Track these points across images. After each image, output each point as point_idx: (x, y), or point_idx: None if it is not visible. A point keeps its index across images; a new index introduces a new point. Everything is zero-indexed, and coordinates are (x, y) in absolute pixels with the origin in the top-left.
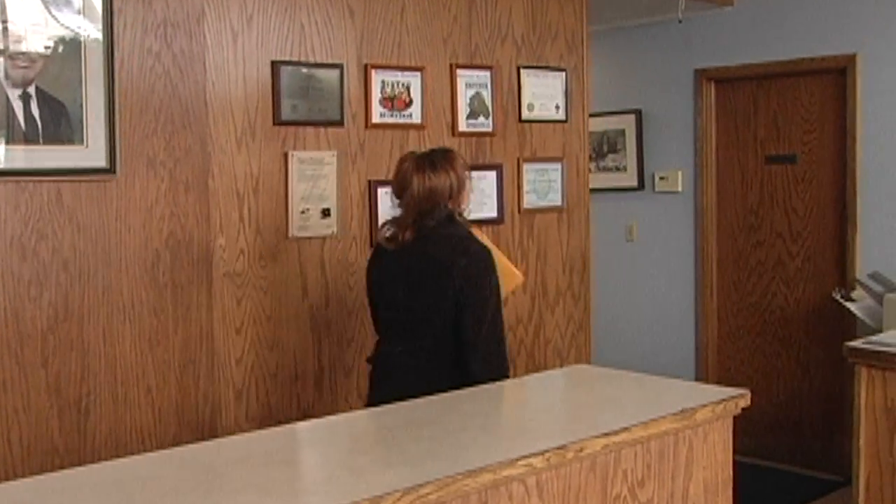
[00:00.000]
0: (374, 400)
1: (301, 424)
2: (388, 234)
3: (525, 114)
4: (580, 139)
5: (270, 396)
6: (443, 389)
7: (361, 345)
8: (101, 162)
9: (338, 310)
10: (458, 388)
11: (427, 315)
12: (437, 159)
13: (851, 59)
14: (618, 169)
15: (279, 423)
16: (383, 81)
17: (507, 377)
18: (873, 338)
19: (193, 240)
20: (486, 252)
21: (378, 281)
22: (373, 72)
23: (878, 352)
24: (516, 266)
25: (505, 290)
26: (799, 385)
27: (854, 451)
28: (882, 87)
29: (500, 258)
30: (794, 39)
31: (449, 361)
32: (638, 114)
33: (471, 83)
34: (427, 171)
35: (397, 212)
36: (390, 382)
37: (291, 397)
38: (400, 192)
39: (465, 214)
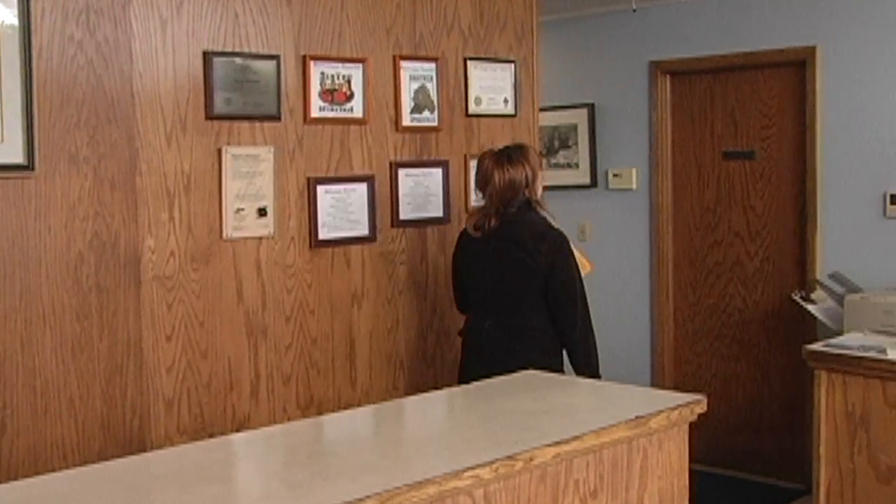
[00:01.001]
0: (465, 371)
1: (236, 436)
2: (475, 223)
3: (472, 108)
4: (530, 134)
5: (203, 407)
6: (533, 362)
7: (300, 351)
8: (19, 158)
9: (275, 314)
10: (550, 363)
11: (515, 293)
12: (513, 154)
13: (811, 52)
14: (569, 166)
15: (212, 435)
16: (323, 73)
17: (596, 358)
18: (833, 340)
19: (120, 241)
20: (562, 235)
21: (466, 263)
22: (311, 63)
23: (838, 355)
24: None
25: None
26: (758, 390)
27: (814, 457)
28: (843, 81)
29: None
30: (753, 31)
31: (541, 337)
32: (590, 108)
33: (415, 76)
34: (505, 165)
35: (481, 203)
36: (482, 355)
37: (226, 407)
38: (483, 185)
39: (541, 204)
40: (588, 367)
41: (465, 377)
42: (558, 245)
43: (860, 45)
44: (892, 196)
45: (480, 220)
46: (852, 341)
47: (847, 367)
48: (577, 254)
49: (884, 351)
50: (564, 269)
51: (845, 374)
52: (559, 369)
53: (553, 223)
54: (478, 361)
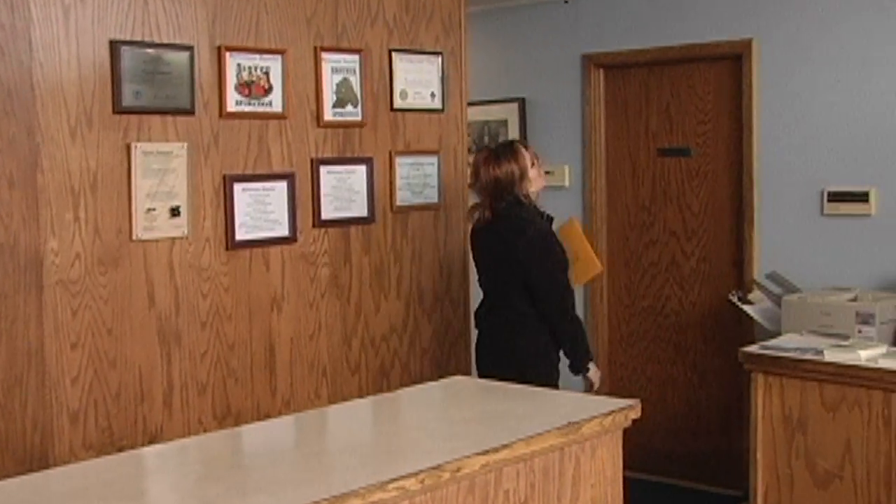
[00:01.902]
0: (476, 353)
1: (147, 450)
2: (472, 216)
3: (398, 102)
4: (458, 130)
5: (112, 420)
6: (520, 347)
7: (216, 358)
8: None
9: (190, 320)
10: (537, 346)
11: (500, 282)
12: (502, 152)
13: (747, 45)
14: None
15: (122, 449)
16: (239, 65)
17: (584, 343)
18: (770, 342)
19: (19, 243)
20: (543, 234)
21: (473, 251)
22: (227, 54)
23: (775, 357)
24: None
25: (584, 277)
26: (695, 394)
27: (751, 463)
28: (780, 75)
29: (581, 245)
30: (688, 23)
31: (527, 321)
32: (521, 103)
33: (337, 68)
34: (492, 163)
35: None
36: (481, 338)
37: (136, 420)
38: (473, 181)
39: (534, 198)
40: (573, 353)
41: (476, 359)
42: (535, 241)
43: (797, 37)
44: (829, 194)
45: (475, 213)
46: (789, 343)
47: (784, 370)
48: (587, 252)
49: (821, 353)
50: (540, 264)
51: (782, 377)
52: (546, 351)
53: (538, 220)
54: (480, 343)
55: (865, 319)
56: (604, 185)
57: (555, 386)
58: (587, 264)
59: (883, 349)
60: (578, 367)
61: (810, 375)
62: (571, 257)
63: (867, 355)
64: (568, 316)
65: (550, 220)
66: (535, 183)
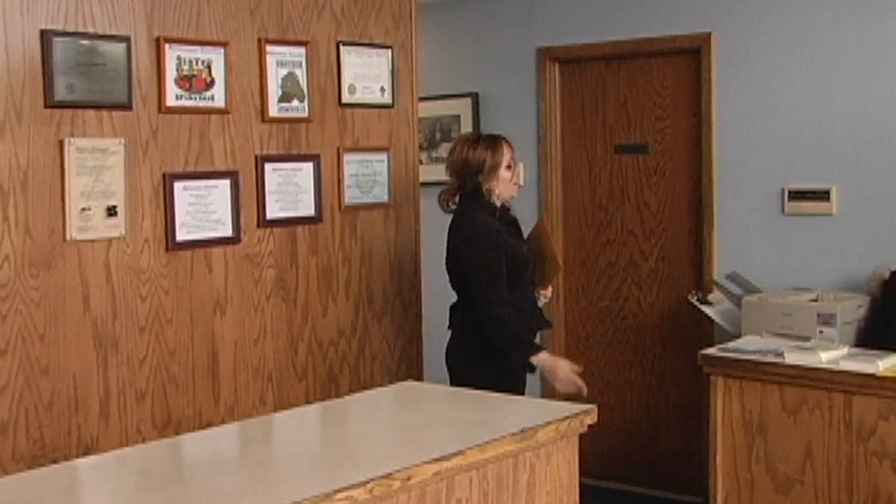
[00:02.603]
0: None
1: (82, 462)
2: (440, 199)
3: (346, 97)
4: (409, 126)
5: (44, 430)
6: (456, 342)
7: (156, 365)
8: None
9: (128, 325)
10: (470, 343)
11: (452, 278)
12: (483, 138)
13: (706, 39)
14: None
15: (55, 461)
16: (179, 58)
17: (509, 341)
18: (730, 344)
19: None
20: (478, 231)
21: None
22: (166, 46)
23: (735, 360)
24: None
25: (551, 277)
26: (653, 398)
27: (710, 468)
28: (739, 70)
29: (549, 246)
30: (645, 16)
31: (464, 318)
32: (474, 98)
33: (283, 61)
34: (470, 144)
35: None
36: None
37: (70, 430)
38: (448, 158)
39: (497, 201)
40: (506, 353)
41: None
42: (468, 237)
43: (757, 31)
44: (790, 192)
45: (442, 196)
46: (749, 345)
47: (744, 373)
48: (553, 253)
49: (781, 355)
50: (467, 261)
51: (742, 380)
52: (478, 349)
53: (481, 217)
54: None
55: (826, 320)
56: (559, 182)
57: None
58: (553, 264)
59: (844, 351)
60: (522, 366)
61: (770, 378)
62: (540, 258)
63: (828, 357)
64: (487, 316)
65: (514, 221)
66: (503, 185)
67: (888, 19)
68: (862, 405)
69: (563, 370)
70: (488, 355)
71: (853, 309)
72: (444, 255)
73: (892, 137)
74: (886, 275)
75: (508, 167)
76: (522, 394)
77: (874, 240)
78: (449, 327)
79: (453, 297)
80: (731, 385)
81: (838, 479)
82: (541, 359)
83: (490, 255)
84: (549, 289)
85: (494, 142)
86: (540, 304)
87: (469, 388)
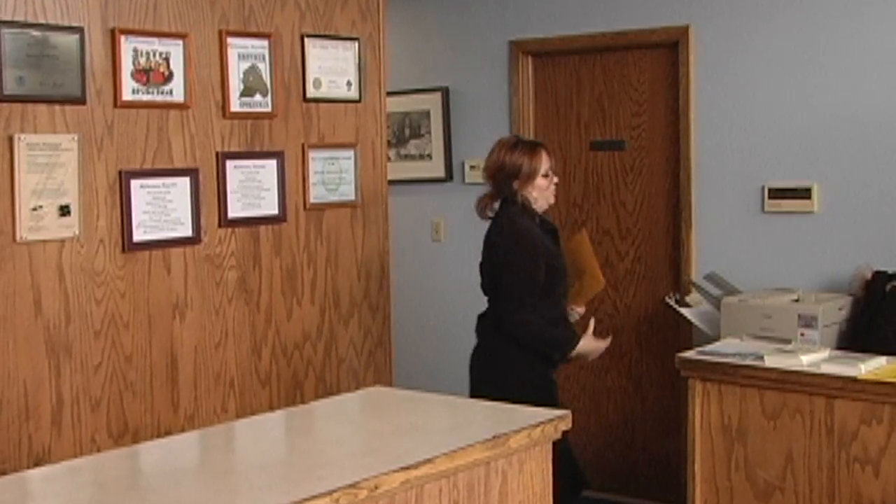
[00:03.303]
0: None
1: (33, 473)
2: (478, 209)
3: (311, 91)
4: (377, 122)
5: None
6: (484, 348)
7: (112, 371)
8: None
9: (82, 329)
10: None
11: (485, 284)
12: (522, 143)
13: (684, 32)
14: (422, 157)
15: (4, 473)
16: (136, 50)
17: (541, 342)
18: (708, 347)
19: None
20: (521, 238)
21: None
22: (122, 38)
23: (714, 363)
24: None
25: (588, 294)
26: (630, 403)
27: (688, 475)
28: (718, 64)
29: (588, 261)
30: (621, 9)
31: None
32: (445, 92)
33: (245, 54)
34: (508, 148)
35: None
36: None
37: (21, 440)
38: (486, 162)
39: (532, 203)
40: (539, 355)
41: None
42: (510, 245)
43: (736, 24)
44: (770, 190)
45: (480, 203)
46: (728, 348)
47: (723, 377)
48: (593, 268)
49: (761, 358)
50: (504, 265)
51: (721, 384)
52: (509, 358)
53: (522, 220)
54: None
55: (808, 322)
56: None
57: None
58: (592, 280)
59: (825, 353)
60: (554, 364)
61: (750, 382)
62: (577, 272)
63: (809, 360)
64: (519, 322)
65: (554, 231)
66: (538, 192)
67: (869, 14)
68: (843, 409)
69: (598, 347)
70: (520, 365)
71: (835, 310)
72: (480, 259)
73: (875, 133)
74: (869, 275)
75: (545, 175)
76: (556, 403)
77: (856, 239)
78: (477, 335)
79: (421, 297)
80: (709, 389)
81: (819, 485)
82: (580, 349)
83: (530, 262)
84: (583, 307)
85: (533, 148)
86: (571, 319)
87: (496, 399)
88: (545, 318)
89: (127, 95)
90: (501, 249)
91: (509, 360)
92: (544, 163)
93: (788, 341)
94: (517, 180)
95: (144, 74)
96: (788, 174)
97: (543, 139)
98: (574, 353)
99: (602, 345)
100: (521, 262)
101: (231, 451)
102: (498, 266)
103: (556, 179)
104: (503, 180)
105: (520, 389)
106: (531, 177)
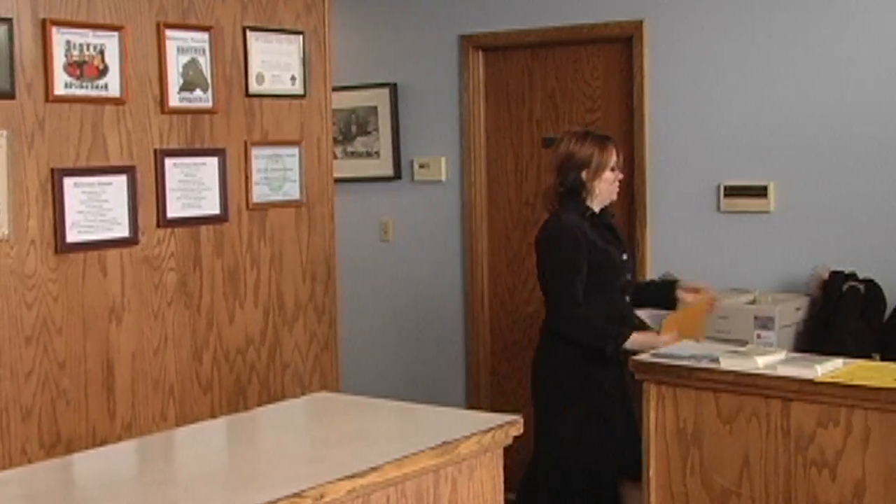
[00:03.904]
0: None
1: None
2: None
3: (253, 87)
4: (322, 118)
5: None
6: (546, 358)
7: (44, 378)
8: None
9: (11, 334)
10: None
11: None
12: (593, 135)
13: (638, 27)
14: (369, 155)
15: None
16: (69, 42)
17: (591, 337)
18: (663, 350)
19: None
20: (560, 233)
21: None
22: (54, 29)
23: (668, 366)
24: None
25: (681, 333)
26: None
27: (643, 480)
28: (673, 59)
29: (697, 322)
30: (574, 2)
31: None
32: (393, 88)
33: (184, 48)
34: (578, 139)
35: None
36: None
37: None
38: (553, 151)
39: (592, 199)
40: (589, 351)
41: None
42: (549, 239)
43: (691, 19)
44: (726, 188)
45: (547, 199)
46: (683, 350)
47: (678, 380)
48: (698, 328)
49: (717, 360)
50: (544, 259)
51: (676, 387)
52: (564, 357)
53: (571, 217)
54: None
55: (764, 323)
56: (484, 179)
57: (580, 402)
58: (690, 332)
59: (782, 355)
60: (609, 356)
61: (705, 385)
62: (686, 326)
63: (765, 362)
64: (563, 318)
65: (609, 226)
66: (604, 185)
67: (827, 9)
68: (800, 412)
69: (662, 340)
70: (576, 364)
71: (792, 311)
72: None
73: (833, 131)
74: (826, 275)
75: (613, 169)
76: (624, 397)
77: (813, 238)
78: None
79: (369, 300)
80: (664, 393)
81: (776, 489)
82: (635, 341)
83: (566, 255)
84: (672, 337)
85: (603, 140)
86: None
87: (556, 399)
88: (601, 314)
89: (59, 90)
90: (544, 244)
91: (554, 361)
92: (613, 156)
93: (745, 343)
94: (587, 170)
95: (78, 68)
96: (745, 173)
97: (494, 135)
98: (629, 345)
99: (658, 341)
100: (558, 257)
101: (170, 460)
102: (541, 263)
103: (621, 175)
104: (570, 170)
105: (565, 393)
106: (601, 168)
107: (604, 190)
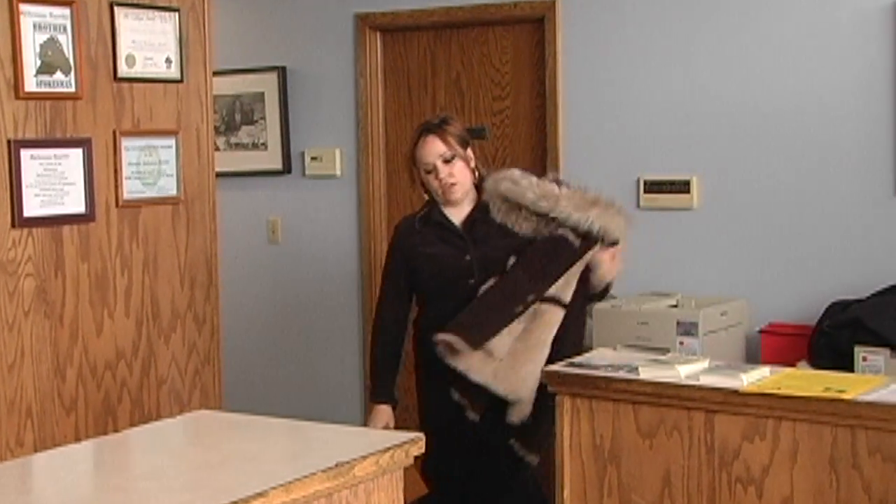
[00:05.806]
0: None
1: None
2: None
3: (123, 70)
4: (202, 105)
5: None
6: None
7: None
8: None
9: None
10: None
11: None
12: (425, 125)
13: (550, 7)
14: (255, 146)
15: None
16: None
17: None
18: (577, 359)
19: None
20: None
21: None
22: None
23: (583, 376)
24: None
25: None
26: None
27: (557, 501)
28: (588, 42)
29: None
30: None
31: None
32: (281, 72)
33: (42, 24)
34: (416, 130)
35: None
36: None
37: None
38: None
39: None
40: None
41: None
42: None
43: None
44: (646, 183)
45: None
46: (600, 359)
47: (594, 391)
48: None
49: (636, 370)
50: None
51: (592, 400)
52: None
53: (399, 222)
54: None
55: (687, 329)
56: (383, 173)
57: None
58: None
59: (705, 364)
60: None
61: (624, 397)
62: None
63: (687, 371)
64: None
65: (450, 229)
66: (434, 186)
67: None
68: (725, 425)
69: (374, 425)
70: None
71: (716, 316)
72: None
73: (758, 123)
74: None
75: (429, 171)
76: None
77: (739, 236)
78: None
79: (255, 307)
80: (579, 406)
81: None
82: (373, 410)
83: (386, 258)
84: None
85: (423, 133)
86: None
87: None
88: (444, 319)
89: None
90: None
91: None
92: (429, 155)
93: (666, 351)
94: (415, 168)
95: None
96: (665, 166)
97: (394, 125)
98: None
99: (371, 424)
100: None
101: (28, 490)
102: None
103: (444, 173)
104: (410, 168)
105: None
106: (417, 167)
107: (435, 189)
